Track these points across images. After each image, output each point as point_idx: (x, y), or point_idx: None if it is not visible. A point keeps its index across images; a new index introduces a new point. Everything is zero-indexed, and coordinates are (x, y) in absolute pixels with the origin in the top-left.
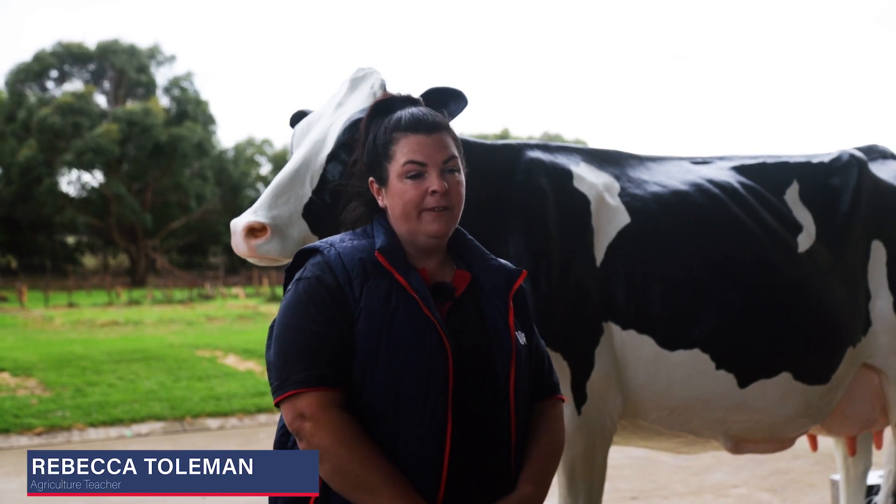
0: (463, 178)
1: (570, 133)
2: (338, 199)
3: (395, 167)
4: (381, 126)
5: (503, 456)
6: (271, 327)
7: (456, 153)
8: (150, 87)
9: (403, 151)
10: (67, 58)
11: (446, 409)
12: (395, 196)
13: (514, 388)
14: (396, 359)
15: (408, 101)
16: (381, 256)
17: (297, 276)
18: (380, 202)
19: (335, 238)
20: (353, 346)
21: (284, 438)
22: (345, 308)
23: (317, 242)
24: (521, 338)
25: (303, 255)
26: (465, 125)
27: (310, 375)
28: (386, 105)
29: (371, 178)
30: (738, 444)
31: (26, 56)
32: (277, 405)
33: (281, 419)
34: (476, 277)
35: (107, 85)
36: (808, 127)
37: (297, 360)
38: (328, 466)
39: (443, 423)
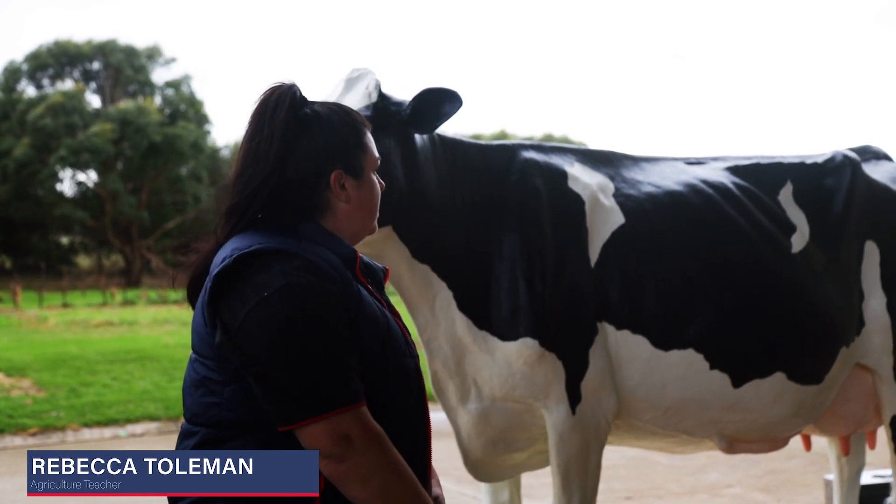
0: None
1: (569, 133)
2: None
3: (370, 161)
4: (325, 116)
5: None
6: (222, 344)
7: None
8: (145, 86)
9: (372, 147)
10: (62, 56)
11: (426, 412)
12: (369, 190)
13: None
14: (398, 367)
15: None
16: (359, 261)
17: (276, 282)
18: (341, 198)
19: (273, 240)
20: (360, 357)
21: None
22: (348, 314)
23: (271, 245)
24: None
25: (255, 259)
26: (461, 125)
27: (349, 391)
28: (296, 94)
29: (337, 170)
30: (733, 444)
31: (25, 56)
32: (283, 431)
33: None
34: None
35: (101, 84)
36: (807, 127)
37: (328, 376)
38: (375, 487)
39: (426, 426)
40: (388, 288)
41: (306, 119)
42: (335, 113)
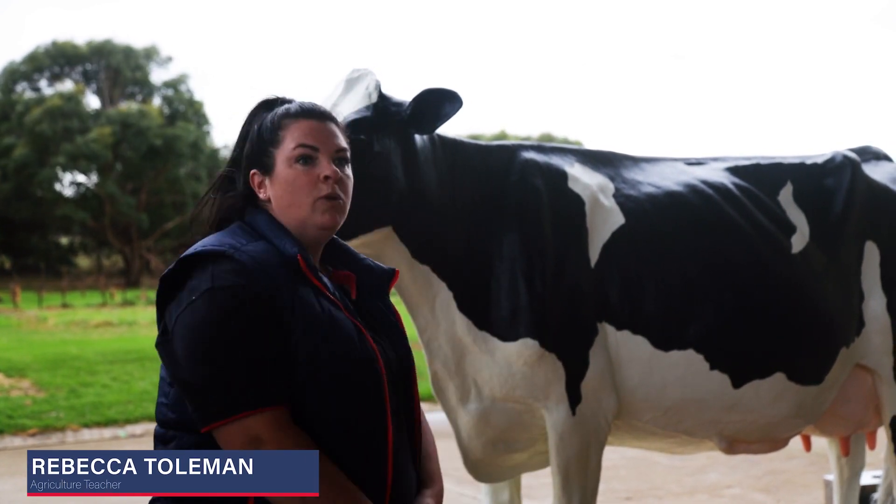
0: (352, 174)
1: (569, 133)
2: None
3: (284, 152)
4: (266, 117)
5: (416, 458)
6: (160, 345)
7: (346, 145)
8: (144, 87)
9: (294, 136)
10: (60, 57)
11: (387, 420)
12: (282, 183)
13: (415, 386)
14: (339, 370)
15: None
16: (302, 260)
17: (203, 285)
18: (262, 195)
19: (225, 240)
20: (291, 359)
21: None
22: (277, 318)
23: (208, 247)
24: None
25: (196, 261)
26: (461, 126)
27: (260, 393)
28: (271, 101)
29: (253, 171)
30: (732, 445)
31: (23, 58)
32: (207, 432)
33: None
34: (357, 278)
35: (100, 85)
36: (807, 127)
37: (240, 378)
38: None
39: (385, 434)
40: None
41: (255, 124)
42: (273, 112)
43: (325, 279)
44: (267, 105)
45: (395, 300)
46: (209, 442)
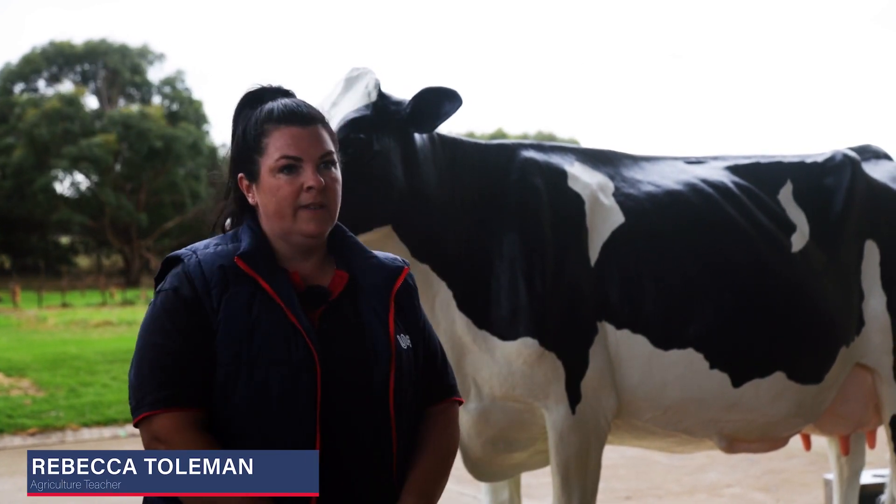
0: (339, 174)
1: (566, 132)
2: None
3: (268, 161)
4: (251, 118)
5: (383, 470)
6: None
7: (332, 148)
8: (143, 87)
9: (276, 145)
10: (58, 58)
11: (314, 425)
12: (267, 193)
13: (394, 397)
14: (258, 372)
15: (279, 91)
16: (240, 262)
17: (157, 288)
18: (250, 199)
19: (200, 244)
20: (213, 362)
21: None
22: (202, 320)
23: (182, 250)
24: (405, 341)
25: (166, 265)
26: (458, 124)
27: (163, 395)
28: (256, 95)
29: (240, 174)
30: (732, 444)
31: (20, 59)
32: (136, 427)
33: None
34: (355, 277)
35: (99, 85)
36: (808, 127)
37: (151, 380)
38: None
39: (311, 440)
40: None
41: (241, 124)
42: (256, 114)
43: (281, 279)
44: (252, 100)
45: None
46: None
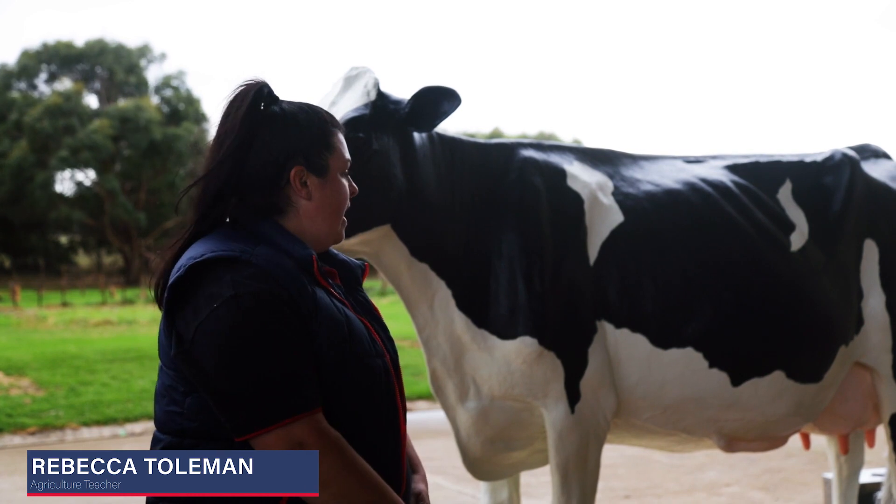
0: None
1: (564, 132)
2: None
3: (338, 162)
4: (290, 112)
5: (403, 450)
6: (178, 356)
7: None
8: (141, 86)
9: (341, 148)
10: (56, 58)
11: (398, 410)
12: (331, 192)
13: (401, 376)
14: (362, 368)
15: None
16: (316, 263)
17: (226, 292)
18: (301, 195)
19: (231, 246)
20: (317, 362)
21: None
22: (304, 322)
23: (218, 252)
24: None
25: (204, 268)
26: (456, 123)
27: (299, 399)
28: (265, 91)
29: (298, 167)
30: (731, 443)
31: (19, 57)
32: (244, 440)
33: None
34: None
35: (97, 85)
36: (810, 127)
37: (279, 385)
38: (333, 492)
39: (398, 424)
40: (388, 287)
41: (270, 115)
42: (302, 111)
43: (332, 281)
44: (261, 96)
45: (395, 298)
46: (237, 450)
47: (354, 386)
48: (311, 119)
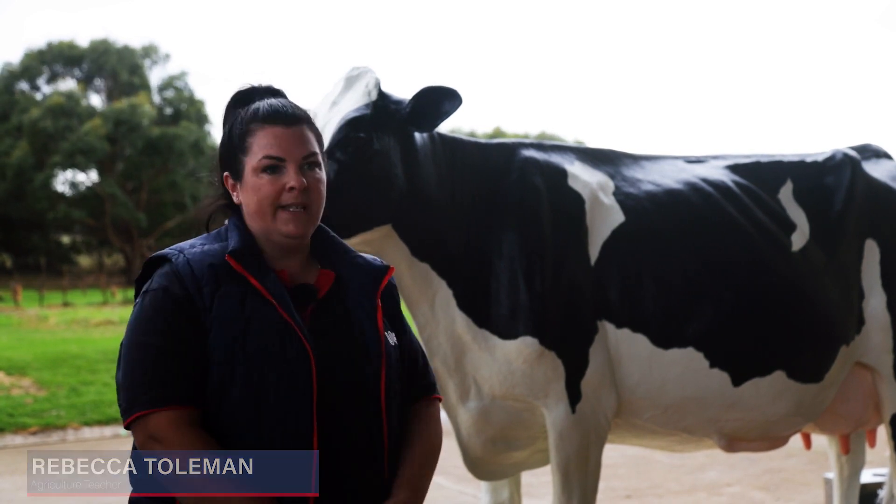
0: (324, 174)
1: (565, 131)
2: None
3: (252, 161)
4: (237, 117)
5: (376, 464)
6: (121, 346)
7: (317, 149)
8: (143, 87)
9: (260, 144)
10: (59, 58)
11: (311, 420)
12: (249, 192)
13: (385, 392)
14: (255, 369)
15: (269, 91)
16: (232, 260)
17: (143, 288)
18: (235, 198)
19: (185, 244)
20: (206, 360)
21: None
22: (194, 319)
23: (166, 250)
24: (392, 338)
25: (151, 265)
26: (456, 122)
27: (158, 394)
28: (245, 95)
29: (226, 173)
30: (732, 443)
31: (22, 57)
32: (128, 428)
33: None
34: (341, 276)
35: (99, 85)
36: (811, 127)
37: (143, 379)
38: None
39: (308, 436)
40: None
41: (229, 123)
42: (243, 114)
43: (271, 278)
44: (241, 100)
45: None
46: None
47: (244, 385)
48: (237, 123)
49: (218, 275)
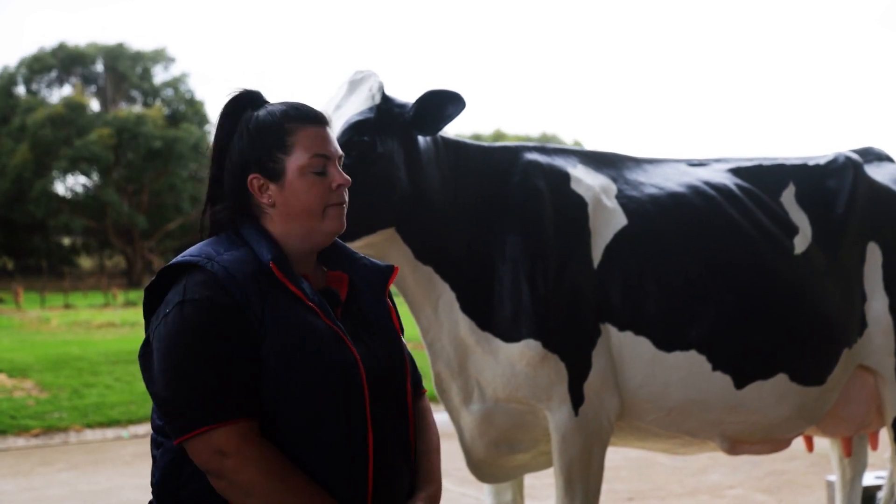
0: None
1: (566, 134)
2: None
3: (297, 160)
4: (258, 118)
5: (409, 459)
6: (142, 356)
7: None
8: (146, 90)
9: (305, 144)
10: (63, 60)
11: (366, 424)
12: (296, 192)
13: (410, 390)
14: (313, 377)
15: (262, 97)
16: (275, 268)
17: (176, 298)
18: (265, 200)
19: (204, 250)
20: (260, 370)
21: (175, 473)
22: (247, 329)
23: (186, 257)
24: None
25: (173, 272)
26: (458, 125)
27: (225, 407)
28: (250, 97)
29: (254, 175)
30: (735, 446)
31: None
32: (179, 443)
33: (162, 457)
34: (351, 279)
35: (102, 88)
36: (811, 128)
37: (205, 393)
38: (255, 501)
39: (365, 438)
40: (392, 289)
41: (241, 122)
42: (269, 113)
43: (306, 285)
44: (245, 102)
45: (398, 300)
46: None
47: (302, 394)
48: (267, 122)
49: (260, 283)
